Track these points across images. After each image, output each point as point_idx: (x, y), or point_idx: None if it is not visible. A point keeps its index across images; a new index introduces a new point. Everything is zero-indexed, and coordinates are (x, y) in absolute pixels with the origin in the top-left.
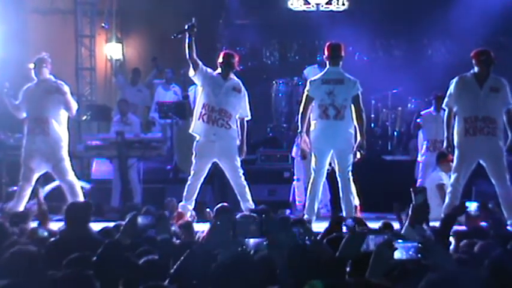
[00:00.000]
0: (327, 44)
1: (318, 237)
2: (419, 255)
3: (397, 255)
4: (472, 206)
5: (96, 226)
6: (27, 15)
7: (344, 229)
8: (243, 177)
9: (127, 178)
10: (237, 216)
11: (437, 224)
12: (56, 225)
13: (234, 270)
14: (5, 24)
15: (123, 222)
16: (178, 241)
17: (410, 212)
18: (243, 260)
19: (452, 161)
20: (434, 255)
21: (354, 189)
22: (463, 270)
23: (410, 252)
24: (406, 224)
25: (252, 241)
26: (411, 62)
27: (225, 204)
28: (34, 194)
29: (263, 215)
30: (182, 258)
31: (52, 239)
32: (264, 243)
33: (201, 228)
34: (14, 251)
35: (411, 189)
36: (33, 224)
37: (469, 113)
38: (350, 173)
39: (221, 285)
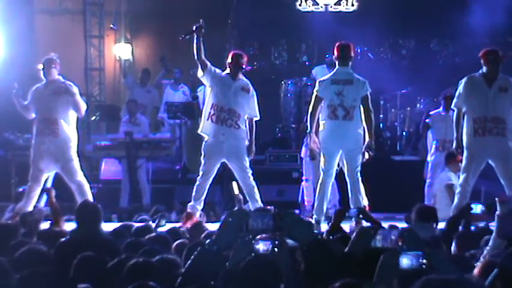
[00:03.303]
0: (337, 44)
1: (324, 234)
2: (423, 264)
3: (402, 263)
4: (478, 208)
5: (106, 227)
6: (36, 15)
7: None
8: (251, 178)
9: (136, 178)
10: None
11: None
12: (68, 226)
13: (245, 276)
14: (14, 25)
15: (131, 223)
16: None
17: (496, 223)
18: (254, 265)
19: (461, 161)
20: (437, 263)
21: (363, 189)
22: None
23: (416, 261)
24: (494, 235)
25: (261, 248)
26: (420, 62)
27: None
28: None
29: (276, 209)
30: (193, 257)
31: (62, 239)
32: (274, 249)
33: (212, 228)
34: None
35: (496, 199)
36: (45, 224)
37: (478, 113)
38: (359, 174)
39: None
